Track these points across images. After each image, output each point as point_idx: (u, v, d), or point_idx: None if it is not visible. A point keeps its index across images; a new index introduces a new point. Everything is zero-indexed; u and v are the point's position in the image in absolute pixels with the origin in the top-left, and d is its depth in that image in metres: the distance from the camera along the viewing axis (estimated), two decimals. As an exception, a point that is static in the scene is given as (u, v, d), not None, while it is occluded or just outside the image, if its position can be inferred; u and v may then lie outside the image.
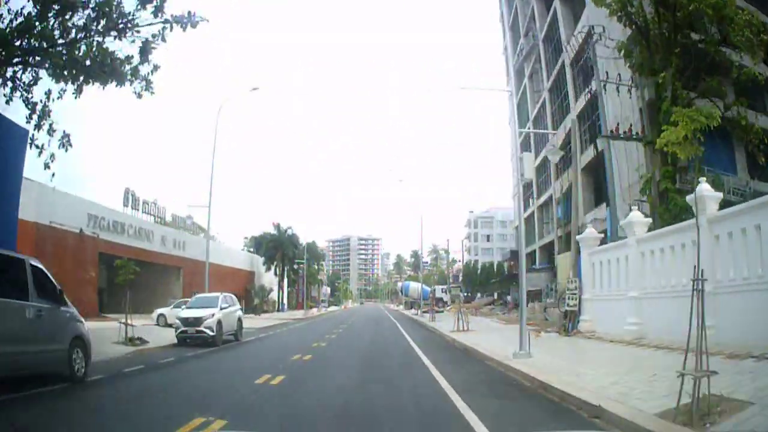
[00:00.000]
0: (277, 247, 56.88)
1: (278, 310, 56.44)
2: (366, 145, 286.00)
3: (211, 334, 16.29)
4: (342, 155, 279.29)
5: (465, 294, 73.31)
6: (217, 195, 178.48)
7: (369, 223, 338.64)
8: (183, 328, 16.56)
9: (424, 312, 41.70)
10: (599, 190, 32.07)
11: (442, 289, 60.84)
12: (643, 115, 21.92)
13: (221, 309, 17.31)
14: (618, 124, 23.10)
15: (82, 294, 32.45)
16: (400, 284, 74.55)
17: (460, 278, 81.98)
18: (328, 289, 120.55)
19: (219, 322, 16.71)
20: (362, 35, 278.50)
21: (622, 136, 22.64)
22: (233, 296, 19.75)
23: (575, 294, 18.50)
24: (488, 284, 72.66)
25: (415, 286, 63.69)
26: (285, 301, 65.03)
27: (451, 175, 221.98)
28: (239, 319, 19.28)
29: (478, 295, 72.45)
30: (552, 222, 39.34)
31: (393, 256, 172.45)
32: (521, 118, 50.74)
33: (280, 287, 59.70)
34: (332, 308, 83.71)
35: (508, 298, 48.52)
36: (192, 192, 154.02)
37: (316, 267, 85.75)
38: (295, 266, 56.76)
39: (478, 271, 76.97)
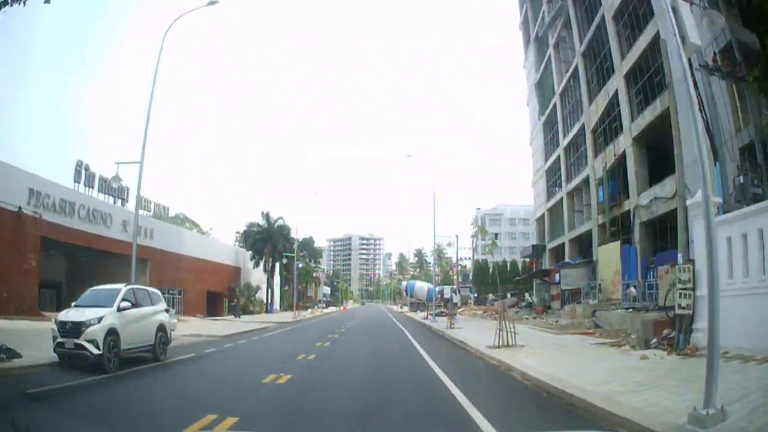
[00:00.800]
0: (265, 240, 50.17)
1: (266, 311, 49.85)
2: (369, 134, 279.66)
3: (96, 351, 9.83)
4: (343, 150, 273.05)
5: (474, 295, 67.15)
6: (209, 188, 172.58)
7: (371, 222, 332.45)
8: (59, 339, 10.08)
9: (434, 315, 35.17)
10: (658, 163, 25.69)
11: (451, 289, 54.56)
12: (735, 47, 15.85)
13: (120, 310, 10.75)
14: (715, 54, 16.66)
15: (21, 287, 26.39)
16: (404, 283, 67.81)
17: (470, 278, 75.65)
18: (328, 289, 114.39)
19: (111, 333, 10.20)
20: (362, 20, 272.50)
21: (721, 70, 16.24)
22: (152, 291, 13.03)
23: (688, 289, 12.01)
24: (502, 284, 66.47)
25: (421, 286, 57.57)
26: (277, 300, 58.51)
27: (457, 169, 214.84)
28: (161, 327, 12.41)
29: (490, 296, 66.08)
30: (590, 209, 32.85)
31: (395, 256, 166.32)
32: (545, 92, 44.69)
33: (269, 285, 52.96)
34: (330, 309, 76.99)
35: (532, 299, 42.03)
36: (172, 179, 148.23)
37: (313, 264, 79.30)
38: (285, 261, 49.58)
39: (490, 270, 70.36)
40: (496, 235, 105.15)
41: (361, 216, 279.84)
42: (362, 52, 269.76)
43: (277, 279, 57.37)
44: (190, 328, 23.38)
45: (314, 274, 78.77)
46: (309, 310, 55.78)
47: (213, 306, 45.16)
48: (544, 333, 18.02)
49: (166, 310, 12.91)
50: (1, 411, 6.88)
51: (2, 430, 5.35)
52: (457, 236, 58.98)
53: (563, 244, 38.18)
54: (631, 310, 19.80)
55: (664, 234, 24.13)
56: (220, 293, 47.29)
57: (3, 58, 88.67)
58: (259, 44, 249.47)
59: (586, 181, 33.86)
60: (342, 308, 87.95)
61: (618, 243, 27.09)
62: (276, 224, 52.10)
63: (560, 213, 39.23)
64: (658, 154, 26.23)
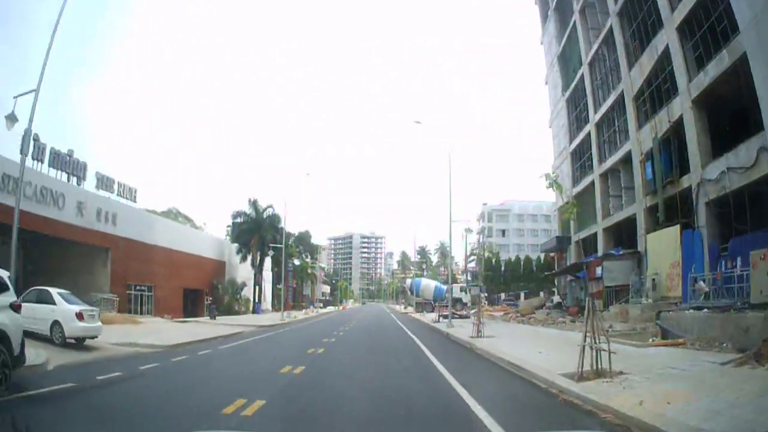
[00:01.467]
0: (252, 231, 44.75)
1: (253, 311, 44.49)
2: (370, 133, 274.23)
3: None
4: (344, 150, 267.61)
5: (485, 294, 61.90)
6: (207, 187, 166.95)
7: (372, 221, 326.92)
8: None
9: (444, 317, 29.92)
10: (724, 128, 20.54)
11: (460, 287, 49.40)
12: None
13: None
14: None
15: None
16: (409, 281, 62.26)
17: (479, 275, 70.31)
18: (327, 288, 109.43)
19: None
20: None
21: None
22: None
23: None
24: (513, 282, 61.42)
25: (427, 284, 52.24)
26: (268, 298, 53.19)
27: (459, 168, 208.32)
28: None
29: (502, 295, 60.93)
30: (632, 191, 27.62)
31: (397, 255, 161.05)
32: (569, 65, 39.50)
33: (257, 282, 47.52)
34: (328, 309, 71.74)
35: (558, 299, 36.74)
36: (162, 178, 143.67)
37: (310, 261, 74.06)
38: (273, 254, 43.94)
39: (502, 268, 65.04)
40: (504, 232, 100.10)
41: (362, 215, 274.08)
42: (362, 52, 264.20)
43: (268, 275, 52.03)
44: (136, 332, 18.20)
45: (310, 271, 73.46)
46: (303, 311, 50.49)
47: (192, 305, 39.83)
48: (614, 345, 12.74)
49: (13, 307, 7.42)
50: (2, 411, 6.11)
51: (2, 430, 4.91)
52: (466, 229, 53.44)
53: (595, 234, 32.95)
54: (706, 310, 14.76)
55: (741, 214, 18.88)
56: (201, 291, 41.94)
57: (3, 58, 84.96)
58: (259, 44, 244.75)
59: (626, 159, 28.69)
60: (341, 308, 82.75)
61: (677, 228, 21.87)
62: (265, 213, 46.62)
63: (591, 199, 33.97)
64: (726, 117, 21.11)
